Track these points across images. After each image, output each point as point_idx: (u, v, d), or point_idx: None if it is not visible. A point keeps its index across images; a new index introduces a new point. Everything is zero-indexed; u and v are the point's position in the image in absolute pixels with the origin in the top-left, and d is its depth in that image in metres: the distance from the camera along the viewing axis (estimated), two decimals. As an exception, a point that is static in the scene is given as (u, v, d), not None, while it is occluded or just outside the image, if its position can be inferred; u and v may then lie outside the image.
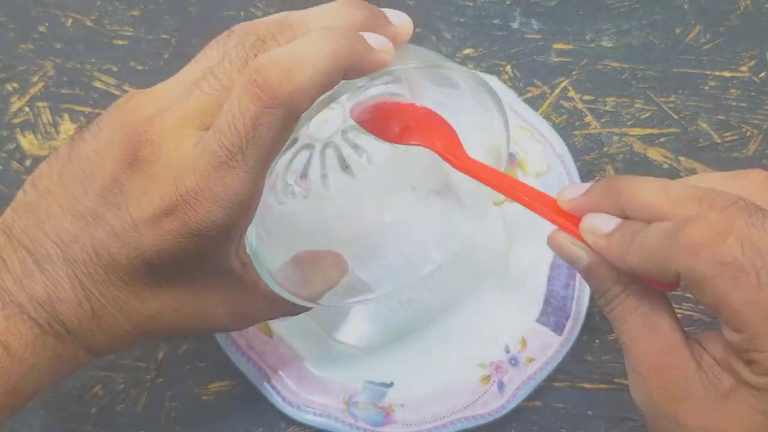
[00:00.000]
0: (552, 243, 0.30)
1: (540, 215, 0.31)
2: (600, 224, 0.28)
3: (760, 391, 0.24)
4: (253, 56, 0.25)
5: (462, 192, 0.38)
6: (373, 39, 0.26)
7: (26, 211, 0.27)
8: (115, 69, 0.47)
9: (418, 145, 0.34)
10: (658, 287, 0.28)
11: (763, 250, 0.24)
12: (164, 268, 0.26)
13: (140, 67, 0.47)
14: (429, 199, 0.38)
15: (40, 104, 0.46)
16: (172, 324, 0.29)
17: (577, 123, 0.46)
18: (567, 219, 0.30)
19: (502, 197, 0.43)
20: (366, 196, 0.38)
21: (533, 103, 0.46)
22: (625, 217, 0.28)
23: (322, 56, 0.24)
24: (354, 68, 0.25)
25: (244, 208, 0.26)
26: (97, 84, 0.47)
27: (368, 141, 0.35)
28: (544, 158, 0.43)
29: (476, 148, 0.35)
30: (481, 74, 0.45)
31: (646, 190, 0.27)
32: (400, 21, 0.28)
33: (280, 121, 0.24)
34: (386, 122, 0.34)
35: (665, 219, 0.26)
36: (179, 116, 0.25)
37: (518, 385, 0.39)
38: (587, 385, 0.40)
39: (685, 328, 0.27)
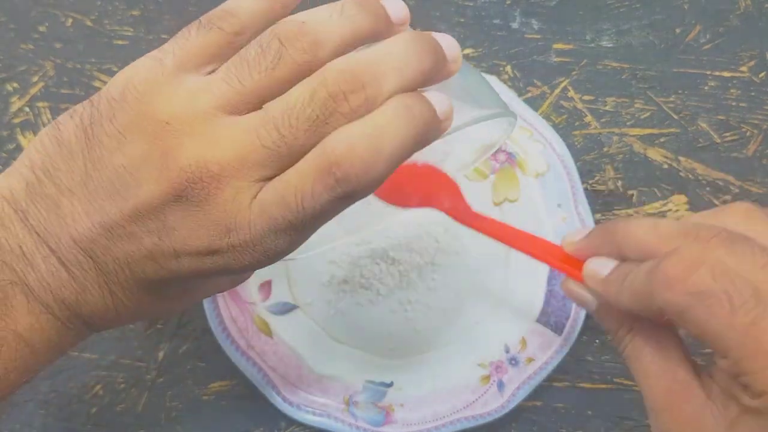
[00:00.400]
0: (564, 289, 0.32)
1: (547, 264, 0.33)
2: (598, 268, 0.30)
3: (759, 414, 0.24)
4: (323, 119, 0.24)
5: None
6: (441, 108, 0.25)
7: (45, 202, 0.26)
8: (115, 69, 0.47)
9: (426, 206, 0.36)
10: (664, 322, 0.28)
11: (739, 276, 0.24)
12: (193, 281, 0.27)
13: (140, 67, 0.46)
14: None
15: (40, 104, 0.46)
16: (181, 309, 0.30)
17: (577, 123, 0.46)
18: (573, 265, 0.32)
19: (502, 197, 0.43)
20: None
21: (533, 103, 0.46)
22: (625, 258, 0.29)
23: (401, 147, 0.24)
24: (419, 148, 0.25)
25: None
26: (97, 84, 0.47)
27: None
28: (544, 158, 0.43)
29: (473, 141, 0.36)
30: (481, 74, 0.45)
31: (638, 229, 0.29)
32: (454, 57, 0.27)
33: (346, 206, 0.25)
34: (392, 186, 0.35)
35: (655, 256, 0.27)
36: (236, 167, 0.24)
37: (518, 384, 0.39)
38: (587, 385, 0.40)
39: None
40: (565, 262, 0.32)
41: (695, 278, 0.25)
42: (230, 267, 0.26)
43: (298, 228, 0.25)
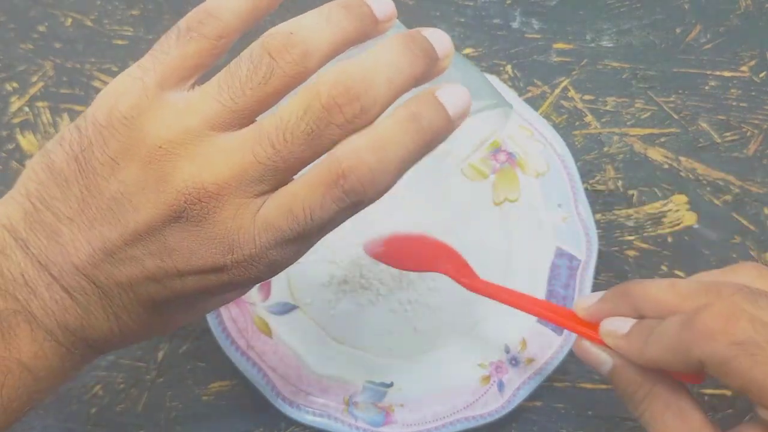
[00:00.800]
0: (577, 350, 0.32)
1: (561, 326, 0.34)
2: (617, 326, 0.30)
3: None
4: (318, 132, 0.24)
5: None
6: (456, 109, 0.25)
7: (44, 231, 0.25)
8: (114, 69, 0.47)
9: (434, 271, 0.37)
10: (685, 380, 0.29)
11: None
12: (197, 297, 0.27)
13: (140, 67, 0.46)
14: None
15: (39, 104, 0.46)
16: (190, 321, 0.30)
17: (577, 123, 0.46)
18: (587, 327, 0.32)
19: (502, 197, 0.43)
20: None
21: (533, 102, 0.46)
22: (640, 318, 0.30)
23: (407, 156, 0.24)
24: (431, 150, 0.25)
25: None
26: (96, 84, 0.47)
27: None
28: (545, 158, 0.43)
29: (472, 137, 0.36)
30: (474, 65, 0.45)
31: (656, 289, 0.29)
32: (446, 53, 0.26)
33: (354, 214, 0.25)
34: (400, 254, 0.37)
35: (677, 312, 0.28)
36: (234, 185, 0.24)
37: (518, 385, 0.39)
38: (587, 385, 0.40)
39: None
40: (579, 324, 0.32)
41: (737, 329, 0.25)
42: (234, 282, 0.26)
43: (305, 238, 0.25)
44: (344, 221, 0.25)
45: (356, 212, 0.25)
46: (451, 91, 0.25)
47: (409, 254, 0.37)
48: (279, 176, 0.25)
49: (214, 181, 0.24)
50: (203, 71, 0.26)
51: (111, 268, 0.25)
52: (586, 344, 0.32)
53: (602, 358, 0.31)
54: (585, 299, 0.33)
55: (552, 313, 0.34)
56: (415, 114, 0.24)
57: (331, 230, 0.26)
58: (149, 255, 0.25)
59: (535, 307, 0.35)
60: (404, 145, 0.24)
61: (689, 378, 0.29)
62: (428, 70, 0.26)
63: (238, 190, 0.24)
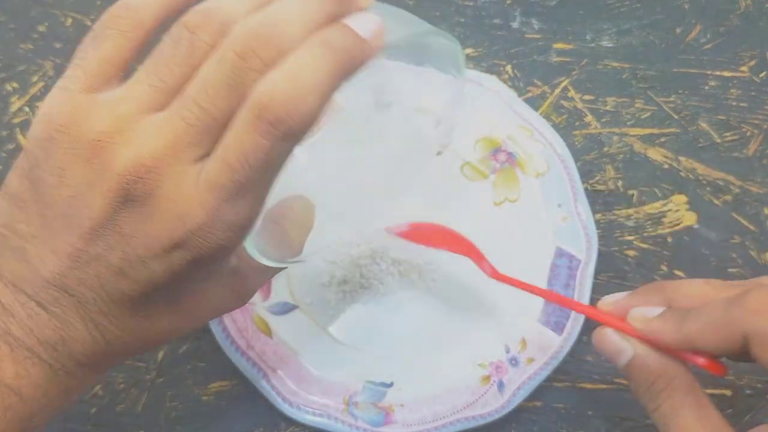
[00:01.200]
0: (597, 338, 0.32)
1: (584, 314, 0.35)
2: (648, 311, 0.31)
3: None
4: (238, 80, 0.24)
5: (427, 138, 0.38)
6: (366, 28, 0.25)
7: (14, 255, 0.26)
8: (114, 69, 0.47)
9: (459, 253, 0.39)
10: (710, 369, 0.29)
11: None
12: (174, 288, 0.27)
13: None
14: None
15: (39, 104, 0.46)
16: (185, 328, 0.29)
17: (577, 123, 0.46)
18: (611, 315, 0.32)
19: (502, 197, 0.43)
20: (334, 141, 0.37)
21: (533, 103, 0.46)
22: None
23: (326, 76, 0.24)
24: (353, 72, 0.25)
25: (252, 225, 0.26)
26: (96, 84, 0.47)
27: None
28: (545, 158, 0.43)
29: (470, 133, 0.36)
30: (481, 74, 0.45)
31: (691, 285, 0.31)
32: None
33: (290, 148, 0.24)
34: (426, 236, 0.39)
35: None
36: (170, 154, 0.24)
37: (518, 385, 0.39)
38: (587, 385, 0.40)
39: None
40: (603, 314, 0.33)
41: None
42: (201, 256, 0.25)
43: (251, 187, 0.25)
44: (285, 159, 0.25)
45: (292, 147, 0.25)
46: (358, 17, 0.25)
47: (434, 237, 0.39)
48: (212, 136, 0.24)
49: (150, 155, 0.24)
50: (127, 65, 0.26)
51: (79, 274, 0.25)
52: (608, 331, 0.31)
53: (623, 346, 0.31)
54: (611, 297, 0.33)
55: (572, 306, 0.36)
56: (324, 39, 0.24)
57: (277, 174, 0.25)
58: (110, 249, 0.25)
59: (557, 299, 0.37)
60: (318, 68, 0.24)
61: (714, 367, 0.29)
62: (342, 7, 0.26)
63: (176, 158, 0.24)
